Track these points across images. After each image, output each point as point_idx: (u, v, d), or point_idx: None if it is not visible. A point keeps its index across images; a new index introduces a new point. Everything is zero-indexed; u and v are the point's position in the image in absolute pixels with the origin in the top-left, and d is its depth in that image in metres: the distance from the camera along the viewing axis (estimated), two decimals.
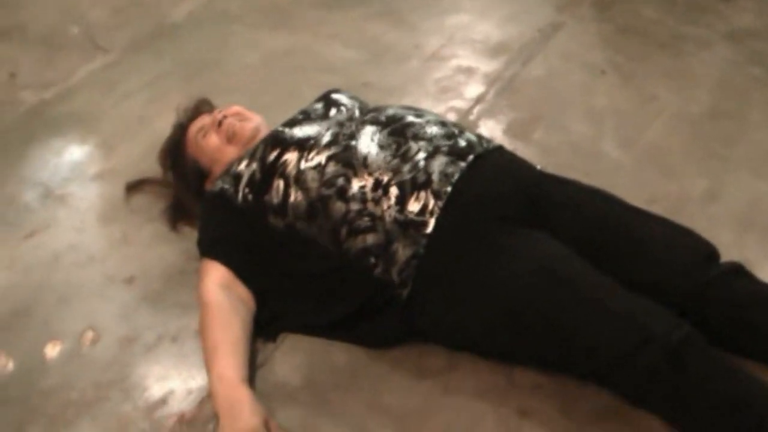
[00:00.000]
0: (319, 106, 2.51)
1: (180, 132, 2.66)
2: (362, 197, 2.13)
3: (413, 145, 2.18)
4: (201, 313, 2.16)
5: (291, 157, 2.26)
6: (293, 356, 2.20)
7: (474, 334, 2.10)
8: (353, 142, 2.22)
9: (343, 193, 2.16)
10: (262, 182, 2.29)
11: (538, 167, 2.37)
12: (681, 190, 2.73)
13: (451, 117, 3.04)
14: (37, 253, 2.58)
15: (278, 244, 2.29)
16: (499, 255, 2.02)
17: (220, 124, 2.55)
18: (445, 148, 2.17)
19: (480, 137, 2.32)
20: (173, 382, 2.15)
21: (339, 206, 2.16)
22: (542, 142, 2.99)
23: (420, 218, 2.07)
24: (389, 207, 2.10)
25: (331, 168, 2.19)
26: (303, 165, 2.23)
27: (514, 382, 2.09)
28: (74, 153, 3.06)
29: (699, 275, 2.05)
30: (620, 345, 1.86)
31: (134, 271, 2.49)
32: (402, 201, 2.09)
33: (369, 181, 2.14)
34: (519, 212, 2.14)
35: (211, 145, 2.55)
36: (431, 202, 2.07)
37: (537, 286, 1.97)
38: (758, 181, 2.76)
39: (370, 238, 2.13)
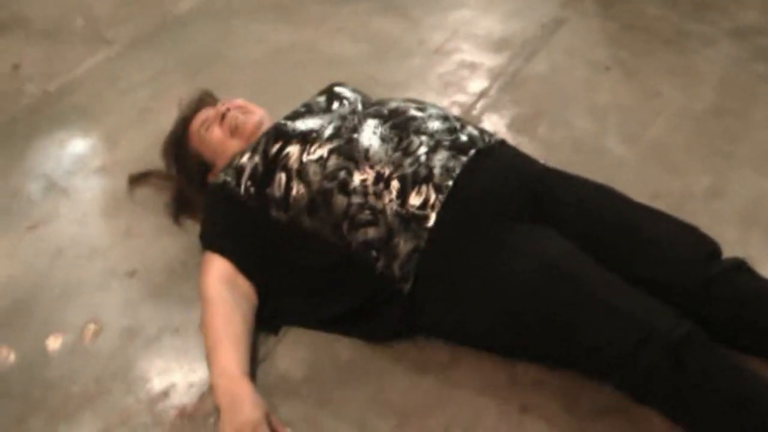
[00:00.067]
0: (322, 99, 2.51)
1: (183, 125, 2.65)
2: (364, 191, 2.13)
3: (415, 139, 2.18)
4: (203, 307, 2.16)
5: (293, 150, 2.26)
6: (295, 350, 2.20)
7: (475, 329, 2.10)
8: (355, 136, 2.22)
9: (344, 187, 2.16)
10: (264, 175, 2.29)
11: (542, 162, 2.37)
12: (684, 187, 2.73)
13: (455, 112, 3.04)
14: (40, 245, 2.58)
15: (281, 238, 2.29)
16: (500, 250, 2.02)
17: (223, 117, 2.55)
18: (446, 143, 2.18)
19: (482, 132, 2.31)
20: (175, 375, 2.16)
21: (341, 200, 2.16)
22: (545, 137, 2.98)
23: (421, 212, 2.07)
24: (390, 201, 2.10)
25: (333, 161, 2.19)
26: (305, 158, 2.23)
27: (516, 378, 2.10)
28: (77, 146, 3.07)
29: (702, 272, 2.04)
30: (621, 343, 1.86)
31: (136, 264, 2.49)
32: (403, 195, 2.09)
33: (370, 175, 2.14)
34: (521, 207, 2.14)
35: (214, 138, 2.55)
36: (432, 196, 2.07)
37: (538, 282, 1.97)
38: (762, 178, 2.76)
39: (372, 232, 2.13)
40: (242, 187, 2.31)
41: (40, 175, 2.88)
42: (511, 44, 3.56)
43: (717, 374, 1.82)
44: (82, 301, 2.38)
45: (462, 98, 3.20)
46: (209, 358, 2.07)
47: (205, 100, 2.72)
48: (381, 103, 2.38)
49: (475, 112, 3.10)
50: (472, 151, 2.17)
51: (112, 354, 2.22)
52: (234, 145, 2.49)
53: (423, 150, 2.15)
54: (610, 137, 2.98)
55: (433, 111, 2.33)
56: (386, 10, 3.87)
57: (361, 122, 2.26)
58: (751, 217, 2.59)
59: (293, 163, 2.24)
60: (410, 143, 2.17)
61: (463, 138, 2.21)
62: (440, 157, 2.13)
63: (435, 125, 2.24)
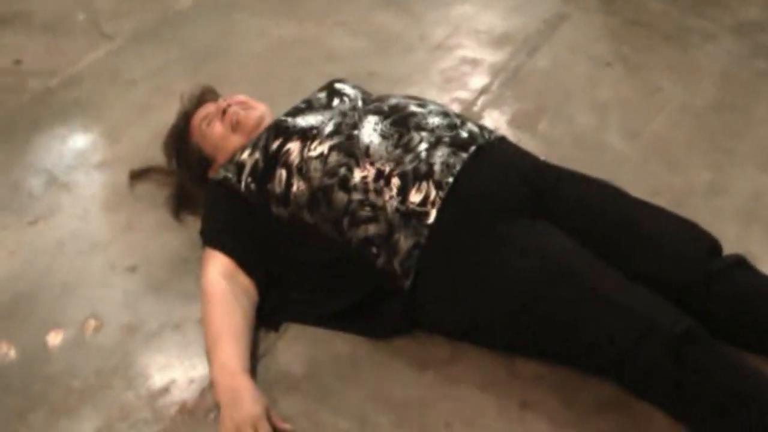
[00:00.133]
0: (323, 95, 2.51)
1: (184, 120, 2.65)
2: (364, 187, 2.14)
3: (415, 136, 2.18)
4: (203, 302, 2.17)
5: (294, 146, 2.26)
6: (296, 346, 2.20)
7: (476, 325, 2.10)
8: (356, 132, 2.22)
9: (345, 183, 2.16)
10: (264, 171, 2.29)
11: (542, 158, 2.37)
12: (685, 183, 2.73)
13: (456, 108, 3.03)
14: (41, 240, 2.58)
15: (281, 234, 2.30)
16: (501, 247, 2.02)
17: (224, 112, 2.54)
18: (447, 139, 2.17)
19: (482, 128, 2.32)
20: (175, 371, 2.16)
21: (341, 196, 2.16)
22: (546, 133, 2.99)
23: (422, 209, 2.07)
24: (391, 197, 2.10)
25: (334, 158, 2.19)
26: (306, 154, 2.23)
27: (516, 374, 2.10)
28: (79, 140, 3.07)
29: (702, 268, 2.05)
30: (622, 339, 1.86)
31: (137, 259, 2.49)
32: (403, 191, 2.09)
33: (371, 172, 2.14)
34: (522, 203, 2.14)
35: (215, 133, 2.54)
36: (433, 193, 2.07)
37: (539, 278, 1.97)
38: (762, 174, 2.76)
39: (372, 229, 2.13)
40: (243, 183, 2.31)
41: (41, 170, 2.87)
42: (512, 40, 3.56)
43: (717, 371, 1.82)
44: (83, 296, 2.38)
45: (463, 94, 3.20)
46: (209, 354, 2.08)
47: (206, 95, 2.72)
48: (381, 99, 2.38)
49: (476, 108, 3.10)
50: (473, 148, 2.17)
51: (113, 349, 2.22)
52: (235, 140, 2.49)
53: (423, 146, 2.15)
54: (611, 133, 2.98)
55: (433, 107, 2.33)
56: (388, 5, 3.87)
57: (361, 119, 2.26)
58: (751, 213, 2.60)
59: (294, 159, 2.25)
60: (410, 140, 2.17)
61: (464, 134, 2.21)
62: (440, 154, 2.13)
63: (435, 121, 2.24)
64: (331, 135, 2.24)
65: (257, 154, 2.31)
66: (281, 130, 2.32)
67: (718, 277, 2.04)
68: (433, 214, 2.06)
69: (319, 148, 2.22)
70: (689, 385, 1.82)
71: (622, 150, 2.89)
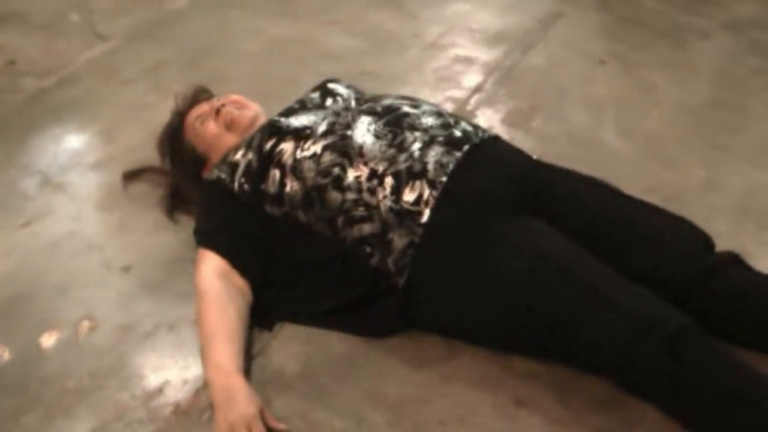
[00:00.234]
0: (316, 95, 2.51)
1: (178, 119, 2.65)
2: (358, 187, 2.14)
3: (409, 135, 2.18)
4: (197, 302, 2.17)
5: (287, 146, 2.26)
6: (290, 345, 2.20)
7: (471, 324, 2.10)
8: (349, 132, 2.22)
9: (338, 183, 2.16)
10: (258, 171, 2.29)
11: (534, 157, 2.37)
12: (680, 180, 2.73)
13: (449, 106, 3.04)
14: (35, 241, 2.58)
15: (275, 233, 2.30)
16: (495, 245, 2.02)
17: (218, 111, 2.54)
18: (440, 138, 2.17)
19: (476, 127, 2.32)
20: (170, 371, 2.15)
21: (335, 196, 2.16)
22: (541, 131, 2.99)
23: (415, 208, 2.07)
24: (384, 197, 2.10)
25: (327, 158, 2.19)
26: (299, 154, 2.23)
27: (511, 371, 2.10)
28: (73, 141, 3.07)
29: (696, 266, 2.06)
30: (618, 337, 1.86)
31: (132, 260, 2.49)
32: (397, 191, 2.09)
33: (364, 171, 2.14)
34: (516, 202, 2.14)
35: (209, 132, 2.54)
36: (426, 192, 2.07)
37: (535, 277, 1.97)
38: (757, 171, 2.76)
39: (366, 228, 2.13)
40: (236, 183, 2.31)
41: (36, 171, 2.87)
42: (507, 38, 3.57)
43: (713, 369, 1.82)
44: (77, 297, 2.38)
45: (457, 93, 3.21)
46: (204, 353, 2.08)
47: (200, 95, 2.72)
48: (374, 99, 2.38)
49: (469, 107, 3.11)
50: (466, 147, 2.17)
51: (107, 350, 2.22)
52: (229, 139, 2.49)
53: (417, 146, 2.15)
54: (606, 130, 2.98)
55: (426, 108, 2.33)
56: (383, 3, 3.89)
57: (354, 119, 2.26)
58: (745, 209, 2.61)
59: (287, 159, 2.25)
60: (404, 139, 2.17)
61: (457, 133, 2.21)
62: (434, 153, 2.13)
63: (429, 121, 2.24)
64: (324, 135, 2.24)
65: (251, 154, 2.31)
66: (275, 130, 2.32)
67: (713, 275, 2.04)
68: (427, 213, 2.06)
69: (312, 148, 2.22)
70: (686, 384, 1.82)
71: (616, 147, 2.89)
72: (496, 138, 2.35)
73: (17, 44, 3.65)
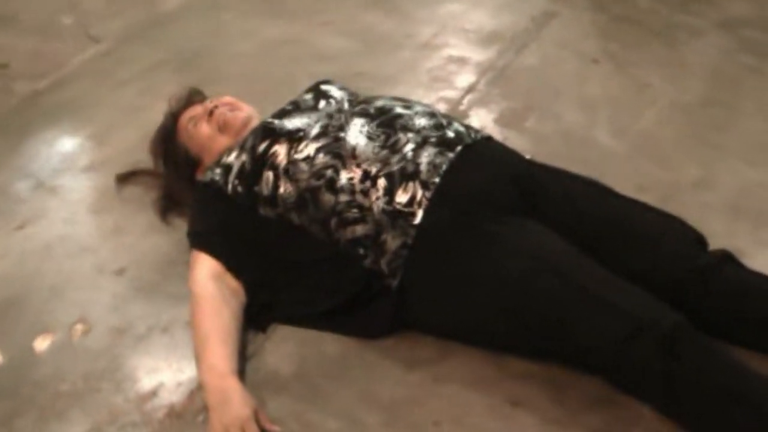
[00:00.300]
0: (309, 97, 2.50)
1: (171, 121, 2.64)
2: (351, 189, 2.13)
3: (402, 137, 2.18)
4: (191, 304, 2.16)
5: (280, 148, 2.26)
6: (284, 346, 2.20)
7: (465, 325, 2.10)
8: (342, 134, 2.22)
9: (332, 185, 2.16)
10: (251, 174, 2.28)
11: (528, 156, 2.37)
12: (673, 178, 2.73)
13: (443, 107, 3.03)
14: (28, 244, 2.58)
15: (269, 234, 2.30)
16: (489, 246, 2.02)
17: (211, 113, 2.54)
18: (433, 139, 2.17)
19: (469, 128, 2.32)
20: (163, 374, 2.15)
21: (328, 198, 2.16)
22: (534, 130, 2.99)
23: (408, 209, 2.07)
24: (378, 198, 2.10)
25: (320, 159, 2.19)
26: (292, 156, 2.23)
27: (505, 371, 2.09)
28: (66, 144, 3.06)
29: (689, 264, 2.06)
30: (613, 337, 1.86)
31: (125, 262, 2.49)
32: (390, 192, 2.09)
33: (357, 173, 2.14)
34: (509, 203, 2.14)
35: (202, 134, 2.54)
36: (419, 193, 2.07)
37: (529, 278, 1.97)
38: (750, 169, 2.77)
39: (360, 229, 2.13)
40: (230, 185, 2.31)
41: (29, 174, 2.87)
42: (500, 38, 3.56)
43: (709, 368, 1.82)
44: (71, 300, 2.37)
45: (450, 93, 3.20)
46: (198, 355, 2.07)
47: (193, 96, 2.72)
48: (367, 101, 2.38)
49: (462, 107, 3.10)
50: (459, 148, 2.17)
51: (101, 352, 2.22)
52: (222, 141, 2.49)
53: (410, 147, 2.15)
54: (599, 129, 2.98)
55: (419, 108, 2.32)
56: (376, 4, 3.88)
57: (347, 121, 2.26)
58: (738, 208, 2.61)
59: (280, 161, 2.24)
60: (397, 141, 2.17)
61: (450, 134, 2.21)
62: (427, 154, 2.13)
63: (421, 122, 2.24)
64: (317, 137, 2.24)
65: (244, 156, 2.31)
66: (268, 132, 2.32)
67: (708, 274, 2.04)
68: (420, 214, 2.06)
69: (305, 150, 2.22)
70: (681, 383, 1.82)
71: (610, 146, 2.89)
72: (488, 138, 2.34)
73: (10, 47, 3.65)
